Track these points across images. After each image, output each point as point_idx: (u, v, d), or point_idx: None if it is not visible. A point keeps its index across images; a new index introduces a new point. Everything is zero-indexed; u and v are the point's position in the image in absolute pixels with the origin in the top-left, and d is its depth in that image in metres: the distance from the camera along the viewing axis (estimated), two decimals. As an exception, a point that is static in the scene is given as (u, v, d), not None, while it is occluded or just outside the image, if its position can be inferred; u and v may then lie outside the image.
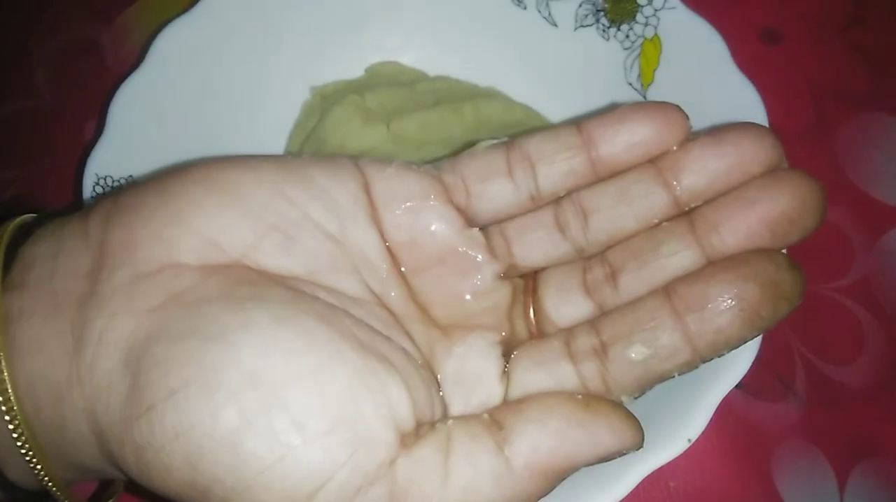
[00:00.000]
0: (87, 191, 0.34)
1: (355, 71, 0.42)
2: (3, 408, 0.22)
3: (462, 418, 0.23)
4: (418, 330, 0.25)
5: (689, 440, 0.30)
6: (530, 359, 0.25)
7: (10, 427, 0.22)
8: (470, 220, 0.26)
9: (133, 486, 0.22)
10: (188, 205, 0.23)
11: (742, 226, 0.23)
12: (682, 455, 0.30)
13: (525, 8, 0.40)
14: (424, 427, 0.22)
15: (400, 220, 0.25)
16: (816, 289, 0.39)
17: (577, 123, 0.26)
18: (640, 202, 0.25)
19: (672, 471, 0.36)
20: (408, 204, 0.25)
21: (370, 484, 0.21)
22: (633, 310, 0.24)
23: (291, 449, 0.20)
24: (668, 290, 0.23)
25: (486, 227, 0.27)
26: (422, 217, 0.25)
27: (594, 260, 0.26)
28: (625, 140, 0.25)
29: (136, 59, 0.37)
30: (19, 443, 0.22)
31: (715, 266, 0.23)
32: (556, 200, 0.26)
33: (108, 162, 0.35)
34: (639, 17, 0.38)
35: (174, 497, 0.21)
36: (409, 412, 0.22)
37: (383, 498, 0.21)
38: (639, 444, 0.23)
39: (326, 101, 0.40)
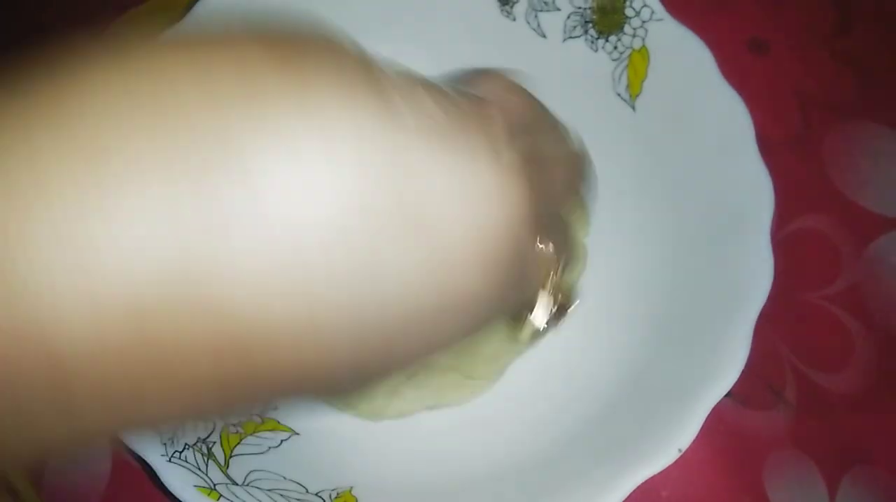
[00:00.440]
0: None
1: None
2: None
3: None
4: None
5: (680, 450, 0.30)
6: None
7: None
8: None
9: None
10: None
11: None
12: (674, 464, 0.30)
13: (514, 19, 0.40)
14: None
15: None
16: (805, 298, 0.39)
17: None
18: None
19: (664, 481, 0.36)
20: None
21: None
22: None
23: None
24: None
25: None
26: None
27: None
28: None
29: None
30: None
31: None
32: None
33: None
34: (626, 28, 0.38)
35: None
36: None
37: None
38: None
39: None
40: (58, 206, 0.12)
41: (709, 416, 0.30)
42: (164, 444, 0.30)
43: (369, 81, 0.16)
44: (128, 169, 0.13)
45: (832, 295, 0.39)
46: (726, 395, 0.31)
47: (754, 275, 0.33)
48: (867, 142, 0.42)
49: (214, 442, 0.32)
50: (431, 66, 0.41)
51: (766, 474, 0.36)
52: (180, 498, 0.29)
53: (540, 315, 0.24)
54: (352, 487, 0.32)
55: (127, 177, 0.13)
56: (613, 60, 0.39)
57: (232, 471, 0.31)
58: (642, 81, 0.38)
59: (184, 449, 0.30)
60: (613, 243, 0.38)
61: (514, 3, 0.40)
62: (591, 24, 0.39)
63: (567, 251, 0.23)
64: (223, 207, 0.13)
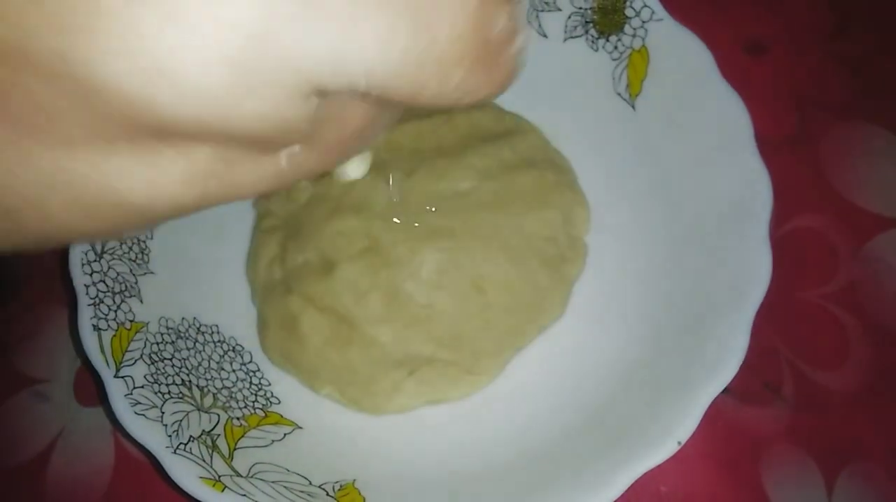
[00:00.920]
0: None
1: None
2: None
3: None
4: None
5: (680, 442, 0.30)
6: None
7: None
8: None
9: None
10: None
11: None
12: (672, 460, 0.30)
13: (515, 19, 0.41)
14: None
15: None
16: (802, 296, 0.39)
17: None
18: None
19: (663, 476, 0.36)
20: None
21: None
22: None
23: None
24: None
25: None
26: None
27: None
28: None
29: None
30: None
31: None
32: None
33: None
34: (627, 28, 0.39)
35: None
36: None
37: None
38: None
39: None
40: None
41: (707, 412, 0.30)
42: (170, 436, 0.30)
43: None
44: None
45: (829, 293, 0.39)
46: (724, 392, 0.31)
47: (753, 271, 0.33)
48: (864, 142, 0.43)
49: (219, 435, 0.32)
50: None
51: (764, 469, 0.36)
52: (186, 489, 0.29)
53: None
54: (354, 480, 0.33)
55: None
56: (614, 60, 0.40)
57: (236, 464, 0.31)
58: (642, 81, 0.39)
59: (189, 441, 0.30)
60: (613, 240, 0.38)
61: (515, 3, 0.40)
62: (591, 25, 0.40)
63: None
64: None
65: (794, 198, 0.41)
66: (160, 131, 0.15)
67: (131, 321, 0.35)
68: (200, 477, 0.29)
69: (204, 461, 0.30)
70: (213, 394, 0.34)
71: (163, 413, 0.31)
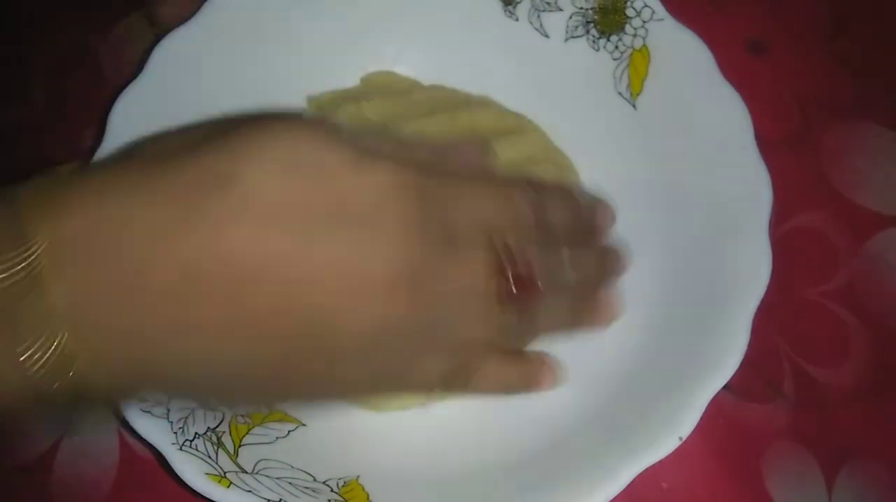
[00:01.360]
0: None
1: (351, 80, 0.42)
2: None
3: None
4: None
5: (681, 438, 0.30)
6: None
7: None
8: None
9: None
10: None
11: None
12: (673, 456, 0.30)
13: (517, 20, 0.41)
14: None
15: None
16: (803, 294, 0.40)
17: None
18: None
19: (664, 472, 0.36)
20: None
21: None
22: None
23: None
24: None
25: None
26: None
27: None
28: None
29: (134, 70, 0.37)
30: None
31: None
32: None
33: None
34: (627, 28, 0.39)
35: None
36: None
37: None
38: None
39: (322, 109, 0.41)
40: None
41: (708, 409, 0.31)
42: (175, 433, 0.30)
43: None
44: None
45: (830, 291, 0.40)
46: (725, 388, 0.31)
47: (753, 269, 0.33)
48: (865, 141, 0.43)
49: (224, 432, 0.32)
50: (434, 65, 0.42)
51: (765, 466, 0.37)
52: (192, 486, 0.29)
53: None
54: (358, 476, 0.33)
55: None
56: (615, 60, 0.40)
57: (241, 460, 0.31)
58: (643, 81, 0.39)
59: (194, 438, 0.31)
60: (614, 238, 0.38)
61: (517, 3, 0.41)
62: (592, 24, 0.40)
63: None
64: None
65: (795, 196, 0.41)
66: None
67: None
68: (206, 474, 0.30)
69: (209, 458, 0.30)
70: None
71: (168, 410, 0.31)
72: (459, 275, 0.26)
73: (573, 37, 0.40)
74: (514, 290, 0.28)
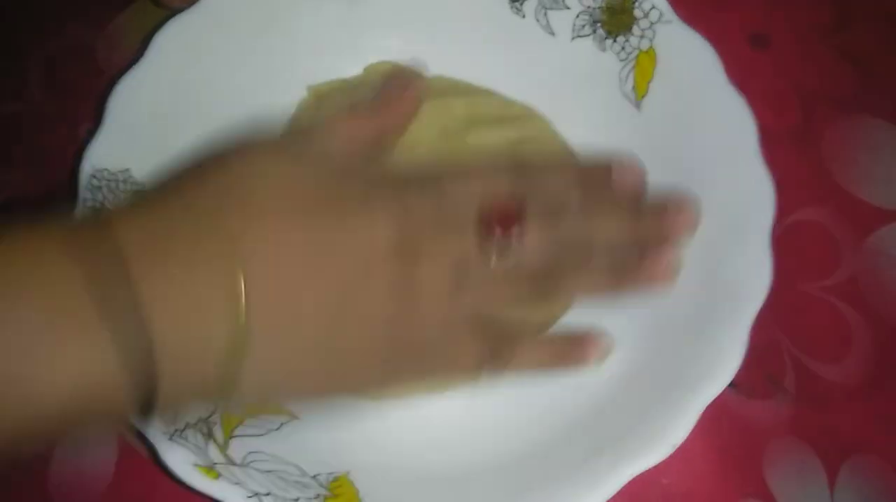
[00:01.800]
0: (84, 183, 0.35)
1: (353, 71, 0.42)
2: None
3: None
4: None
5: (674, 446, 0.30)
6: None
7: None
8: None
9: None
10: None
11: None
12: (675, 453, 0.30)
13: (524, 17, 0.41)
14: None
15: None
16: (804, 289, 0.39)
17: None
18: None
19: (665, 469, 0.35)
20: None
21: None
22: None
23: None
24: None
25: None
26: None
27: None
28: None
29: (133, 58, 0.37)
30: None
31: None
32: None
33: (105, 155, 0.36)
34: (635, 29, 0.39)
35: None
36: None
37: None
38: None
39: (322, 98, 0.41)
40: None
41: (709, 406, 0.31)
42: (166, 423, 0.30)
43: None
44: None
45: (831, 286, 0.39)
46: (728, 385, 0.31)
47: (753, 277, 0.33)
48: (866, 135, 0.42)
49: (215, 423, 0.32)
50: (438, 58, 0.42)
51: (766, 462, 0.36)
52: (180, 476, 0.29)
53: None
54: (348, 471, 0.33)
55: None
56: (621, 61, 0.40)
57: (231, 452, 0.31)
58: (648, 82, 0.39)
59: (185, 428, 0.31)
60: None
61: (524, 0, 0.41)
62: (599, 24, 0.40)
63: None
64: None
65: (796, 191, 0.40)
66: None
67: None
68: (195, 465, 0.30)
69: (199, 448, 0.30)
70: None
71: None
72: (452, 248, 0.29)
73: (580, 36, 0.40)
74: (497, 225, 0.30)
